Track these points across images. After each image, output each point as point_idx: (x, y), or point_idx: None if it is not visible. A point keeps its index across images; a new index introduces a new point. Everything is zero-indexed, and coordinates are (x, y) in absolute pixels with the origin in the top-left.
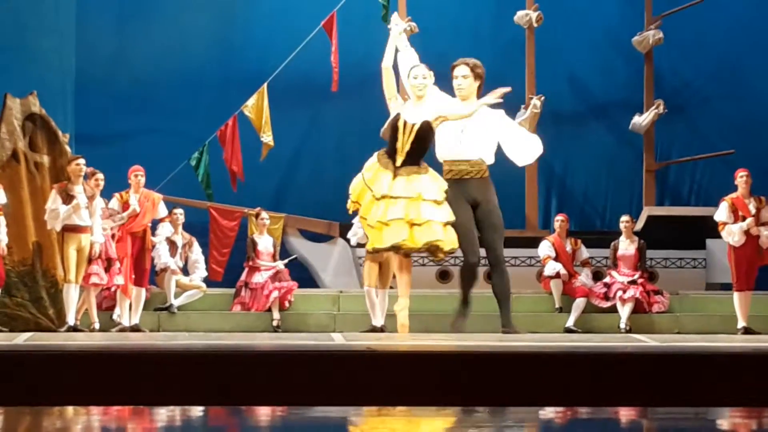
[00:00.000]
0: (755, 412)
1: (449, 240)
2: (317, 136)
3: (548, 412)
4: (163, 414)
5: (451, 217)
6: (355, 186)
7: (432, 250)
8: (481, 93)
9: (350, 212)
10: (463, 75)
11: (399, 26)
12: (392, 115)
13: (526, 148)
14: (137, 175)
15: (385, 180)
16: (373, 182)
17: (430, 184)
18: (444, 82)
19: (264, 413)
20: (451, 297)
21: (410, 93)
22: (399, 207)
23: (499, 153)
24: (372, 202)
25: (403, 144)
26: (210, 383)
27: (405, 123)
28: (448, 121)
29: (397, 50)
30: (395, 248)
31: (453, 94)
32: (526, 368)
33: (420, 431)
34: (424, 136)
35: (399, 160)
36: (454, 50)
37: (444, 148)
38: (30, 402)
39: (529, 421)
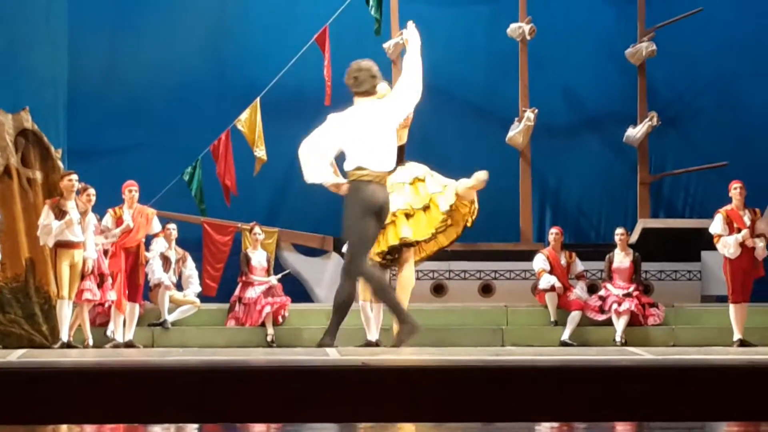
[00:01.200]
0: (752, 426)
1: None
2: None
3: (543, 428)
4: None
5: None
6: None
7: None
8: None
9: None
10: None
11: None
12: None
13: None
14: (131, 190)
15: None
16: None
17: None
18: (437, 95)
19: (258, 431)
20: (445, 311)
21: None
22: None
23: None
24: None
25: None
26: (204, 399)
27: None
28: None
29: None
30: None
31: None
32: (521, 382)
33: None
34: None
35: None
36: (447, 63)
37: None
38: (23, 420)
39: None
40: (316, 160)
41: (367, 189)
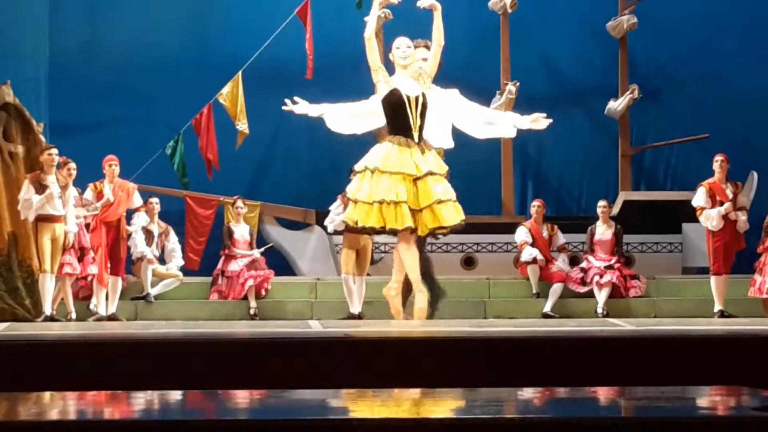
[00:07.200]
0: (732, 390)
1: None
2: (293, 123)
3: (527, 392)
4: (140, 398)
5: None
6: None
7: (440, 231)
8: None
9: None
10: (422, 58)
11: None
12: (380, 88)
13: (484, 124)
14: (111, 164)
15: (408, 160)
16: (391, 165)
17: (438, 161)
18: None
19: (242, 396)
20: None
21: (396, 64)
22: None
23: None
24: (396, 181)
25: (415, 118)
26: (187, 372)
27: (408, 97)
28: None
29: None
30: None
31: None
32: (504, 353)
33: (398, 411)
34: (426, 106)
35: (416, 137)
36: (428, 36)
37: None
38: (7, 390)
39: (508, 401)
40: None
41: None
